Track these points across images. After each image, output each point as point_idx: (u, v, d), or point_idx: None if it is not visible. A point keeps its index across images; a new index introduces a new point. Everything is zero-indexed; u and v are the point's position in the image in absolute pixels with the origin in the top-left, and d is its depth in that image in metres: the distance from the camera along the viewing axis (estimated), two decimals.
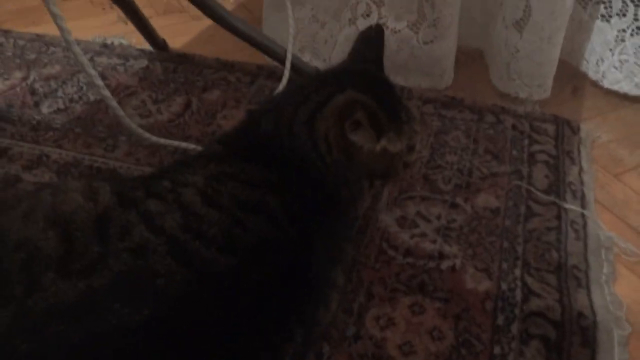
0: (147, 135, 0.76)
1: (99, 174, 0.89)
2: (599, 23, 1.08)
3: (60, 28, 0.59)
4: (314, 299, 0.57)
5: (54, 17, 0.60)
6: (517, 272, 0.74)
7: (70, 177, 0.86)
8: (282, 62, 1.03)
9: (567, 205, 0.84)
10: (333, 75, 0.71)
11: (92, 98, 1.06)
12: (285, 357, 0.52)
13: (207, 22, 1.39)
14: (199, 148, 0.87)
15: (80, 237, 0.50)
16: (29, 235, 0.49)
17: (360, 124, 0.61)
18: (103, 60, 1.18)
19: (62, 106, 1.04)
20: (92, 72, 0.62)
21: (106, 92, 0.65)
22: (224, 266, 0.51)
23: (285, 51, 1.03)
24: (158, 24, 1.22)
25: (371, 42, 0.76)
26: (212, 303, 0.49)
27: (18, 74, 1.14)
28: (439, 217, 0.83)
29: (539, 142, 0.97)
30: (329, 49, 1.12)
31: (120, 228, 0.51)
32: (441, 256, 0.76)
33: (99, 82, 0.64)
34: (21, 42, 1.24)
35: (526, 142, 0.97)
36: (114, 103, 0.66)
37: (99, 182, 0.56)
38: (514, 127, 1.01)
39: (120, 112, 0.69)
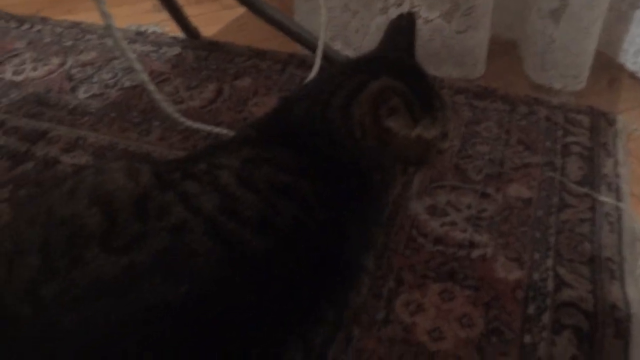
0: (182, 119, 0.77)
1: (134, 157, 0.91)
2: (638, 13, 1.05)
3: (103, 13, 0.60)
4: (345, 282, 0.58)
5: (97, 1, 0.61)
6: (549, 262, 0.74)
7: (110, 158, 0.88)
8: (313, 50, 1.03)
9: (601, 198, 0.83)
10: (367, 63, 0.72)
11: (126, 84, 1.09)
12: (316, 338, 0.53)
13: (239, 10, 1.41)
14: (232, 133, 0.89)
15: (121, 215, 0.51)
16: (73, 211, 0.51)
17: (396, 110, 0.61)
18: (137, 47, 1.20)
19: (97, 92, 1.07)
20: (132, 55, 0.63)
21: (145, 76, 0.67)
22: (259, 248, 0.51)
23: (317, 40, 1.03)
24: (190, 13, 1.24)
25: (403, 30, 0.76)
26: (247, 283, 0.50)
27: (55, 60, 1.17)
28: (469, 207, 0.82)
29: (573, 134, 0.95)
30: (360, 38, 1.12)
31: (159, 208, 0.52)
32: (471, 245, 0.76)
33: (138, 66, 0.65)
34: (58, 30, 1.27)
35: (560, 133, 0.96)
36: (152, 86, 0.68)
37: (138, 163, 0.58)
38: (547, 118, 0.99)
39: (158, 96, 0.70)
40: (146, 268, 0.47)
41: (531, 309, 0.68)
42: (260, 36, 1.25)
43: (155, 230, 0.50)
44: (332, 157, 0.63)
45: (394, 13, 1.06)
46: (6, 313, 0.46)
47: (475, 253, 0.75)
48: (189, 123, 0.78)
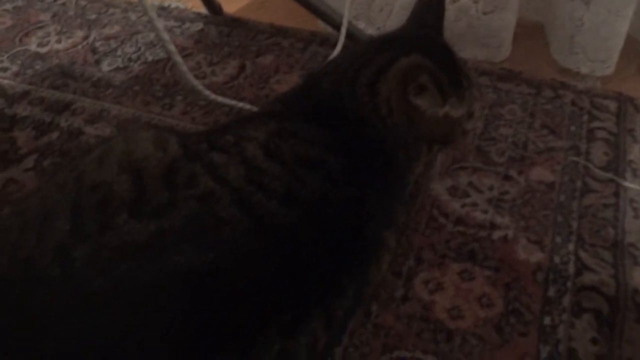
0: (207, 92, 0.77)
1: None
2: None
3: None
4: (366, 257, 0.58)
5: None
6: (571, 246, 0.73)
7: (137, 127, 0.89)
8: (337, 28, 1.02)
9: (626, 184, 0.82)
10: (395, 39, 0.71)
11: (149, 58, 1.09)
12: (336, 311, 0.53)
13: None
14: (255, 108, 0.89)
15: (150, 183, 0.52)
16: (103, 178, 0.52)
17: (425, 88, 0.60)
18: (160, 22, 1.20)
19: (121, 65, 1.07)
20: (160, 25, 0.63)
21: (172, 47, 0.67)
22: (284, 218, 0.52)
23: (340, 17, 1.02)
24: None
25: (432, 7, 0.75)
26: (272, 253, 0.51)
27: (79, 33, 1.17)
28: (491, 189, 0.82)
29: (599, 119, 0.94)
30: (384, 17, 1.11)
31: (186, 177, 0.52)
32: (492, 226, 0.76)
33: (166, 36, 0.65)
34: (82, 3, 1.27)
35: (585, 118, 0.94)
36: (178, 58, 0.68)
37: (167, 133, 0.58)
38: (573, 102, 0.98)
39: (184, 67, 0.71)
40: (174, 234, 0.48)
41: (551, 292, 0.68)
42: (281, 14, 1.25)
43: (184, 198, 0.51)
44: (357, 133, 0.63)
45: None
46: (36, 275, 0.47)
47: (496, 234, 0.74)
48: (214, 96, 0.78)
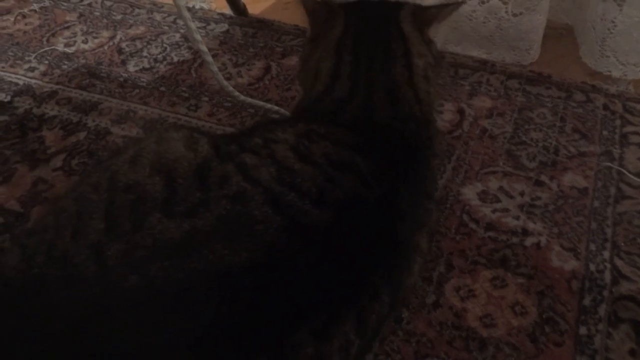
0: (236, 93, 0.77)
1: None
2: None
3: None
4: (399, 260, 0.57)
5: None
6: (606, 254, 0.71)
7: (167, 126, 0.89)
8: None
9: None
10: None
11: (175, 59, 1.09)
12: (370, 315, 0.52)
13: None
14: (283, 110, 0.88)
15: (182, 184, 0.51)
16: (136, 178, 0.51)
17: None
18: (193, 23, 1.20)
19: (147, 65, 1.08)
20: (193, 25, 0.63)
21: (203, 47, 0.67)
22: (317, 218, 0.51)
23: None
24: None
25: None
26: (305, 253, 0.50)
27: (105, 34, 1.18)
28: (522, 194, 0.80)
29: (632, 124, 0.92)
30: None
31: (218, 177, 0.52)
32: (525, 232, 0.74)
33: (198, 36, 0.65)
34: (108, 3, 1.28)
35: (618, 122, 0.92)
36: (209, 58, 0.68)
37: (198, 133, 0.58)
38: (605, 106, 0.95)
39: (214, 68, 0.70)
40: (207, 233, 0.48)
41: (587, 301, 0.66)
42: (305, 15, 1.24)
43: (216, 198, 0.50)
44: (386, 131, 0.63)
45: None
46: (72, 272, 0.47)
47: (529, 241, 0.73)
48: (242, 97, 0.78)
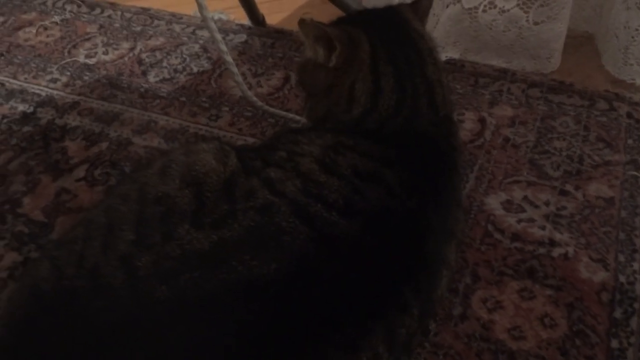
0: (260, 103, 0.77)
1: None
2: None
3: (199, 4, 0.61)
4: (428, 274, 0.56)
5: None
6: (636, 265, 0.70)
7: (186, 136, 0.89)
8: None
9: None
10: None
11: (195, 70, 1.10)
12: (399, 328, 0.52)
13: (302, 0, 1.41)
14: (304, 120, 0.88)
15: (211, 197, 0.51)
16: (166, 190, 0.52)
17: None
18: (204, 34, 1.21)
19: (167, 76, 1.08)
20: (219, 36, 0.63)
21: (228, 58, 0.67)
22: (345, 229, 0.51)
23: None
24: (255, 1, 1.24)
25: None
26: (333, 264, 0.49)
27: (126, 45, 1.19)
28: (547, 204, 0.79)
29: None
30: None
31: (245, 191, 0.52)
32: (552, 243, 0.73)
33: (224, 47, 0.65)
34: (127, 15, 1.30)
35: None
36: (234, 68, 0.68)
37: (228, 145, 0.58)
38: (629, 115, 0.94)
39: (239, 78, 0.71)
40: (235, 244, 0.48)
41: (618, 313, 0.65)
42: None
43: (244, 210, 0.50)
44: (423, 137, 0.62)
45: (467, 3, 1.03)
46: (102, 283, 0.47)
47: (556, 252, 0.72)
48: (266, 107, 0.78)
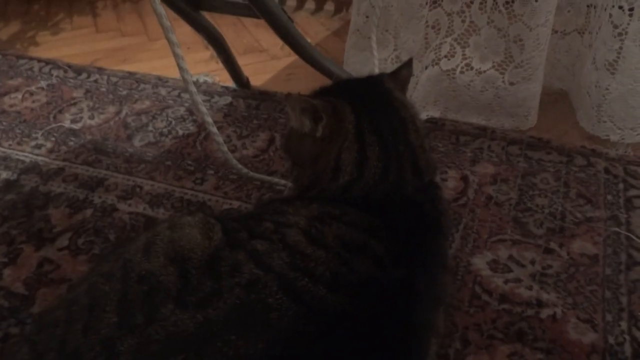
0: (245, 170, 0.78)
1: (189, 206, 0.92)
2: None
3: (180, 67, 0.62)
4: (417, 343, 0.56)
5: (176, 57, 0.63)
6: (624, 324, 0.70)
7: (184, 211, 0.89)
8: None
9: None
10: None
11: (180, 132, 1.11)
12: None
13: (285, 61, 1.45)
14: (290, 184, 0.89)
15: (195, 273, 0.51)
16: (150, 268, 0.51)
17: None
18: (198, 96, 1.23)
19: (152, 139, 1.09)
20: (204, 109, 0.64)
21: (208, 118, 0.68)
22: (333, 304, 0.50)
23: None
24: (239, 63, 1.27)
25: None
26: (322, 340, 0.49)
27: (111, 109, 1.20)
28: (533, 262, 0.79)
29: (635, 187, 0.93)
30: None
31: (230, 266, 0.52)
32: (539, 304, 0.73)
33: (209, 119, 0.67)
34: (114, 79, 1.32)
35: (621, 186, 0.93)
36: (219, 139, 0.69)
37: (213, 219, 0.58)
38: (606, 170, 0.97)
39: (224, 148, 0.72)
40: (221, 324, 0.47)
41: None
42: (308, 86, 1.26)
43: (229, 287, 0.50)
44: (409, 203, 0.63)
45: (445, 65, 1.06)
46: None
47: (544, 313, 0.72)
48: (251, 174, 0.79)
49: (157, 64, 1.43)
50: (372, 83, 0.70)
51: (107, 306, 0.48)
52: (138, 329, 0.47)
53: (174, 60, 0.70)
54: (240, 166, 0.78)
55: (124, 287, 0.50)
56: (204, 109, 0.68)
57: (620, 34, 0.95)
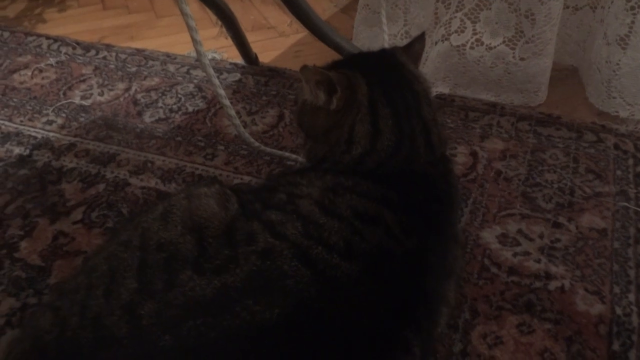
0: (257, 144, 0.78)
1: (201, 181, 0.93)
2: None
3: (194, 40, 0.62)
4: (429, 313, 0.57)
5: (190, 29, 0.63)
6: (631, 296, 0.71)
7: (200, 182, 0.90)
8: None
9: None
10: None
11: (190, 109, 1.12)
12: None
13: (294, 38, 1.44)
14: (300, 158, 0.89)
15: (212, 242, 0.52)
16: (168, 237, 0.52)
17: None
18: (198, 73, 1.23)
19: (162, 116, 1.10)
20: (217, 81, 0.65)
21: (226, 101, 0.69)
22: (346, 272, 0.51)
23: None
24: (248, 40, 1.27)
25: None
26: (336, 306, 0.50)
27: (121, 86, 1.21)
28: (541, 236, 0.80)
29: None
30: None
31: (246, 235, 0.53)
32: (548, 276, 0.74)
33: (221, 91, 0.67)
34: (122, 56, 1.32)
35: (631, 162, 0.93)
36: (232, 111, 0.69)
37: (230, 189, 0.59)
38: (616, 146, 0.97)
39: (237, 121, 0.72)
40: (238, 290, 0.48)
41: (616, 346, 0.65)
42: (316, 62, 1.27)
43: (245, 254, 0.51)
44: (421, 176, 0.64)
45: (455, 40, 1.06)
46: (105, 333, 0.47)
47: (553, 285, 0.73)
48: (262, 148, 0.79)
49: (164, 41, 1.42)
50: (386, 56, 0.70)
51: (127, 272, 0.50)
52: (158, 294, 0.48)
53: (181, 38, 0.70)
54: (252, 139, 0.79)
55: (143, 255, 0.51)
56: (216, 81, 0.68)
57: (632, 8, 0.94)
